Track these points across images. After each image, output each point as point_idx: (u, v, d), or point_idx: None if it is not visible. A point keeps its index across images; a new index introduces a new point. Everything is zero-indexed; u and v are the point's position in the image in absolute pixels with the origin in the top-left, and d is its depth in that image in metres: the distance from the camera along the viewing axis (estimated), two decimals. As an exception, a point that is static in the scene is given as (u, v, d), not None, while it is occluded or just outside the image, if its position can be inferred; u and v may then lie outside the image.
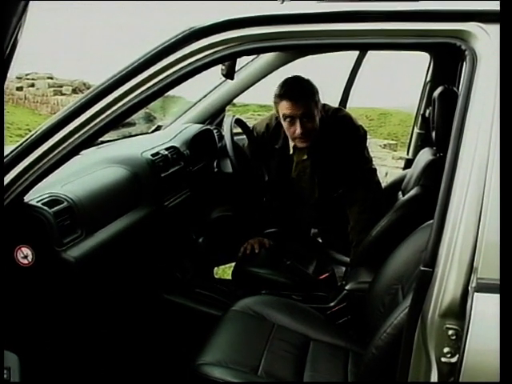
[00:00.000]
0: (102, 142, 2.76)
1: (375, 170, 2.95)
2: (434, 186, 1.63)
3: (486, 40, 1.36)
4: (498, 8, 1.33)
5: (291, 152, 2.91)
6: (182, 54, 1.53)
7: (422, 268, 1.34)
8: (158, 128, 3.40)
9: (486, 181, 1.29)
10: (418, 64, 3.97)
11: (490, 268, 1.26)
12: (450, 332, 1.29)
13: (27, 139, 1.66)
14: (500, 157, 1.28)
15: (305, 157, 2.89)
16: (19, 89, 15.16)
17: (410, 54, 3.77)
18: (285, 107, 2.68)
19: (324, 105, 2.88)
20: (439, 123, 2.49)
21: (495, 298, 1.23)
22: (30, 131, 1.73)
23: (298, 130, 2.69)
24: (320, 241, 3.32)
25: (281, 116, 2.75)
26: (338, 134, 2.78)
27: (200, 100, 3.41)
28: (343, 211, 2.86)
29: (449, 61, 3.45)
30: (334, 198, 2.92)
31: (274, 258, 2.92)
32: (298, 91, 2.67)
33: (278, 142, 2.93)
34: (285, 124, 2.75)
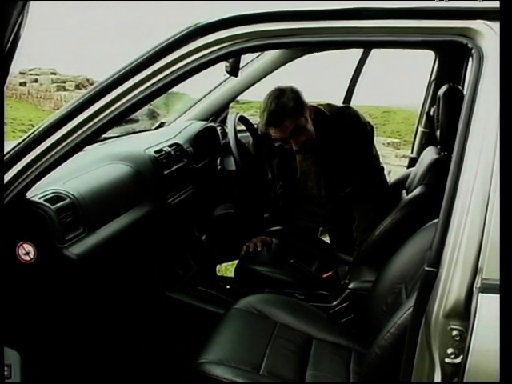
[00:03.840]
0: (105, 139, 2.76)
1: (383, 168, 2.94)
2: (438, 184, 1.62)
3: (492, 38, 1.35)
4: (505, 6, 1.32)
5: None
6: (187, 50, 1.52)
7: (427, 268, 1.33)
8: (162, 125, 3.40)
9: (491, 180, 1.28)
10: (423, 62, 3.96)
11: (494, 269, 1.25)
12: (454, 333, 1.28)
13: (30, 135, 1.66)
14: (500, 156, 1.27)
15: (307, 155, 2.88)
16: (22, 84, 15.16)
17: (414, 52, 3.77)
18: (273, 133, 2.68)
19: (330, 104, 2.87)
20: (444, 122, 2.47)
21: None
22: (33, 127, 1.73)
23: (294, 148, 2.70)
24: (327, 240, 3.31)
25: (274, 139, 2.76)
26: (345, 132, 2.76)
27: (204, 97, 3.41)
28: (351, 210, 2.85)
29: (454, 59, 3.44)
30: (341, 197, 2.91)
31: (277, 256, 2.91)
32: (278, 116, 2.62)
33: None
34: (282, 143, 2.77)
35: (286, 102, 2.63)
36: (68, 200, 1.95)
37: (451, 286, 1.28)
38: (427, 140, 3.44)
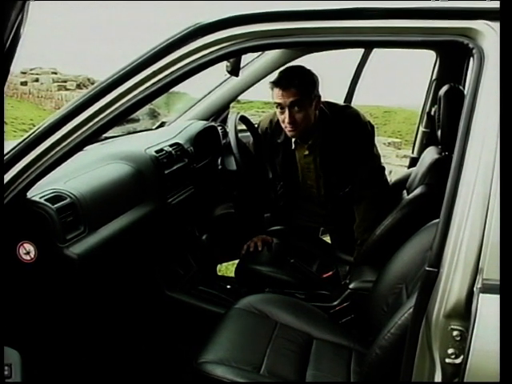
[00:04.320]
0: (106, 138, 2.76)
1: (384, 168, 2.94)
2: (439, 184, 1.62)
3: (493, 38, 1.35)
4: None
5: (293, 147, 2.89)
6: (188, 50, 1.52)
7: (427, 268, 1.32)
8: (162, 124, 3.40)
9: (492, 181, 1.28)
10: (424, 62, 3.96)
11: (495, 269, 1.25)
12: (455, 333, 1.28)
13: (31, 134, 1.66)
14: (500, 156, 1.27)
15: (306, 152, 2.88)
16: (24, 83, 15.17)
17: (415, 52, 3.77)
18: (275, 94, 2.68)
19: (330, 102, 2.87)
20: (445, 122, 2.47)
21: (501, 299, 1.22)
22: (34, 126, 1.73)
23: (286, 119, 2.69)
24: (327, 240, 3.31)
25: (274, 103, 2.76)
26: (346, 131, 2.76)
27: (204, 96, 3.41)
28: (351, 210, 2.85)
29: (455, 59, 3.44)
30: (340, 196, 2.91)
31: (278, 256, 2.91)
32: (288, 79, 2.66)
33: (280, 136, 2.91)
34: (277, 112, 2.76)
35: (301, 74, 2.70)
36: (68, 199, 1.94)
37: (452, 286, 1.28)
38: (428, 140, 3.44)
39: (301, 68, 2.75)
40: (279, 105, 2.69)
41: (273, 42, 1.53)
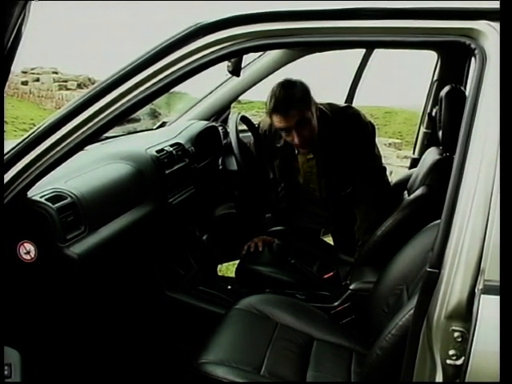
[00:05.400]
0: (107, 138, 2.76)
1: (385, 168, 2.93)
2: (440, 185, 1.62)
3: (495, 38, 1.34)
4: (509, 6, 1.31)
5: (296, 152, 2.89)
6: (188, 50, 1.52)
7: (428, 269, 1.32)
8: (163, 124, 3.39)
9: (494, 181, 1.27)
10: (425, 63, 3.96)
11: (497, 270, 1.24)
12: (456, 334, 1.28)
13: (31, 134, 1.66)
14: (500, 157, 1.27)
15: (310, 156, 2.87)
16: (24, 83, 15.17)
17: (416, 53, 3.77)
18: (277, 121, 2.65)
19: (330, 103, 2.86)
20: (446, 123, 2.46)
21: (502, 300, 1.22)
22: (35, 126, 1.73)
23: (296, 140, 2.67)
24: (329, 240, 3.31)
25: (277, 129, 2.74)
26: (346, 132, 2.75)
27: (205, 96, 3.41)
28: (352, 212, 2.85)
29: (456, 59, 3.43)
30: (342, 196, 2.90)
31: (279, 256, 2.91)
32: (285, 103, 2.60)
33: (279, 141, 2.91)
34: (283, 135, 2.75)
35: (294, 92, 2.63)
36: (69, 199, 1.94)
37: (453, 287, 1.28)
38: (429, 141, 3.43)
39: (292, 84, 2.68)
40: (283, 129, 2.67)
41: (274, 41, 1.53)
